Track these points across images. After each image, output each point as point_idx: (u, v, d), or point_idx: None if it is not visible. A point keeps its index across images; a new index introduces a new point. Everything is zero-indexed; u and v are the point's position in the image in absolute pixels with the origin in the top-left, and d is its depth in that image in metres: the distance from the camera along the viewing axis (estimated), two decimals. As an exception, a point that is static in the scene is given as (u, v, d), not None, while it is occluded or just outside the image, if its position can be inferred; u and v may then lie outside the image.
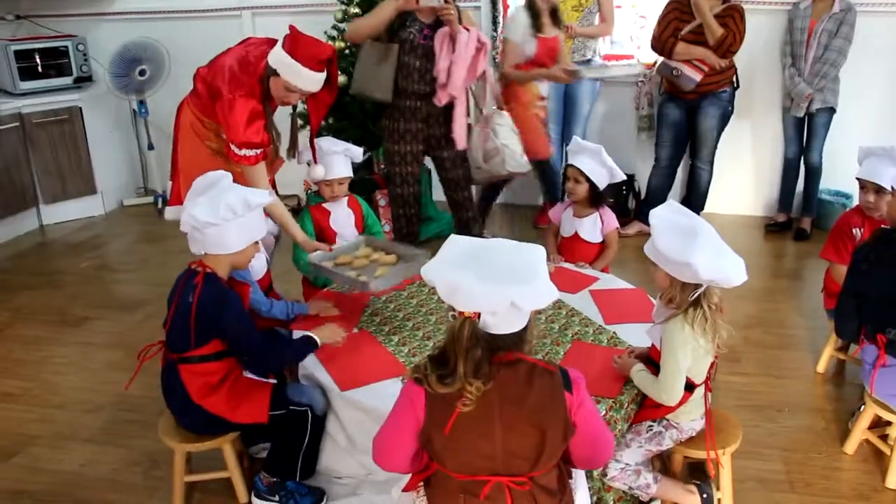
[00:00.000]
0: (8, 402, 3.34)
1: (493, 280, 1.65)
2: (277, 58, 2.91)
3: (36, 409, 3.28)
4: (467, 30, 3.61)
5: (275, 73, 2.93)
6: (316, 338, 2.56)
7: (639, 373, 2.35)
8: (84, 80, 5.72)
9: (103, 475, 2.83)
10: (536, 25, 4.31)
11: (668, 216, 2.17)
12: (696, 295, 2.17)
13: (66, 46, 5.61)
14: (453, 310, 1.72)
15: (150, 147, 5.87)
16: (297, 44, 2.88)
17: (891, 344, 2.51)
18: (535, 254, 1.76)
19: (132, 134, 6.03)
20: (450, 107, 3.75)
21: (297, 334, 2.65)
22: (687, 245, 2.06)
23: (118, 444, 3.00)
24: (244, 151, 2.93)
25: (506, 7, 5.38)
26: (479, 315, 1.68)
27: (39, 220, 5.63)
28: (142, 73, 5.62)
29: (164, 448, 2.62)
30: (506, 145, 4.21)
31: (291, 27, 2.96)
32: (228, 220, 2.33)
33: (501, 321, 1.69)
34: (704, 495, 2.35)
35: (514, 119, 4.29)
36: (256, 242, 2.50)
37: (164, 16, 5.85)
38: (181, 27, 5.84)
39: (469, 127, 3.97)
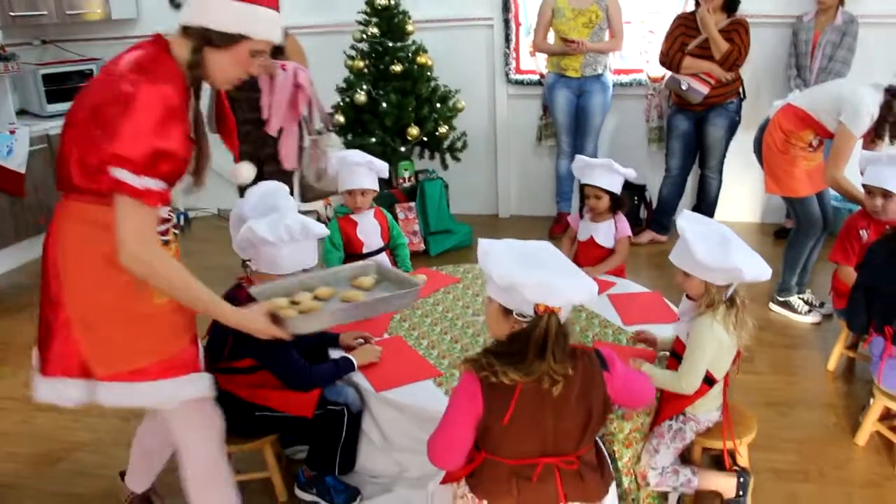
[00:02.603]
0: (51, 412, 3.45)
1: (567, 275, 1.84)
2: (215, 14, 1.95)
3: (79, 418, 3.40)
4: (284, 69, 3.88)
5: (215, 40, 1.97)
6: (353, 359, 2.65)
7: (650, 370, 2.46)
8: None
9: (145, 479, 2.97)
10: (880, 132, 3.56)
11: (696, 227, 2.30)
12: (730, 293, 2.31)
13: (92, 70, 5.81)
14: (509, 311, 1.86)
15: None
16: None
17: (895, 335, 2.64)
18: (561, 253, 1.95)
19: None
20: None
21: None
22: (727, 250, 2.21)
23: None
24: (144, 181, 1.85)
25: (518, 25, 5.55)
26: (560, 309, 1.83)
27: (67, 238, 5.79)
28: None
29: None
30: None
31: None
32: (285, 241, 2.43)
33: (564, 314, 1.85)
34: (741, 479, 2.47)
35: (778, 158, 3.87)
36: (305, 271, 2.57)
37: (186, 39, 6.03)
38: (202, 49, 6.01)
39: (302, 149, 4.22)
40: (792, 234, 4.07)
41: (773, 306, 4.12)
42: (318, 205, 5.44)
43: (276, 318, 2.11)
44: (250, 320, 2.09)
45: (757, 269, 2.22)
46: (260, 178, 3.96)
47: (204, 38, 1.97)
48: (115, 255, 1.90)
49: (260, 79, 3.89)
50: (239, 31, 1.97)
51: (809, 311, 4.00)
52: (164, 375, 2.06)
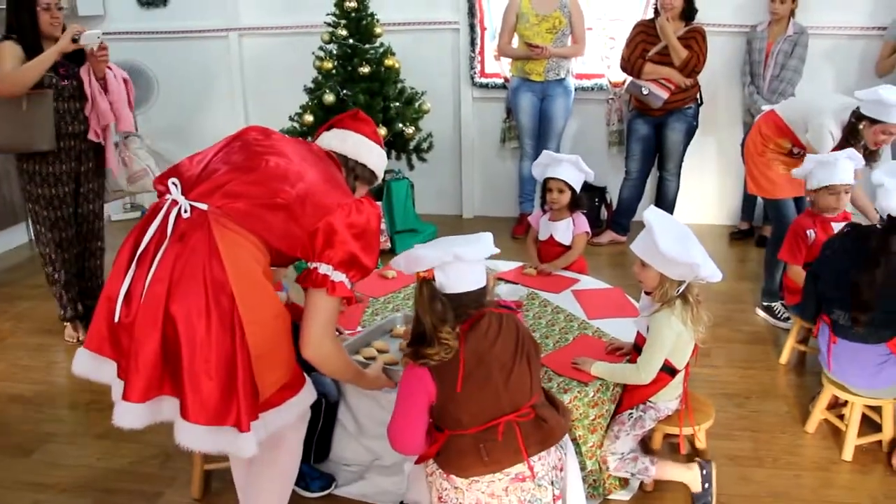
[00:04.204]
0: (22, 403, 3.48)
1: (432, 246, 2.03)
2: (372, 157, 2.39)
3: (49, 409, 3.43)
4: (109, 68, 3.72)
5: (368, 177, 2.42)
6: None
7: (602, 367, 2.59)
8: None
9: (121, 467, 3.00)
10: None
11: (662, 221, 2.42)
12: (681, 290, 2.44)
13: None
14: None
15: (138, 163, 6.01)
16: (362, 121, 2.43)
17: (834, 324, 2.82)
18: (483, 234, 2.11)
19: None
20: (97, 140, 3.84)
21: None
22: (687, 247, 2.34)
23: (132, 440, 3.09)
24: (351, 284, 2.10)
25: (483, 29, 5.66)
26: (433, 275, 1.99)
27: (29, 234, 5.73)
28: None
29: (178, 442, 2.79)
30: (149, 166, 4.23)
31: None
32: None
33: (454, 279, 2.00)
34: (704, 471, 2.59)
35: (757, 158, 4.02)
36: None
37: (151, 36, 6.02)
38: (168, 48, 6.02)
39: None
40: (770, 238, 4.23)
41: (758, 311, 4.22)
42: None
43: (386, 372, 2.48)
44: (377, 378, 2.44)
45: (711, 269, 2.36)
46: (84, 199, 3.98)
47: (362, 174, 2.38)
48: (266, 267, 2.04)
49: (86, 84, 3.65)
50: (378, 173, 2.42)
51: (788, 317, 4.01)
52: (299, 384, 2.19)
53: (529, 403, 2.05)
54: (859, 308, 2.71)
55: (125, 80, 3.83)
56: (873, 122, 3.43)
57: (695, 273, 2.35)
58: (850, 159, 3.30)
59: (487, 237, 2.09)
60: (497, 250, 2.09)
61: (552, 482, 2.08)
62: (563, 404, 2.20)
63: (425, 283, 1.99)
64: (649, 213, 2.44)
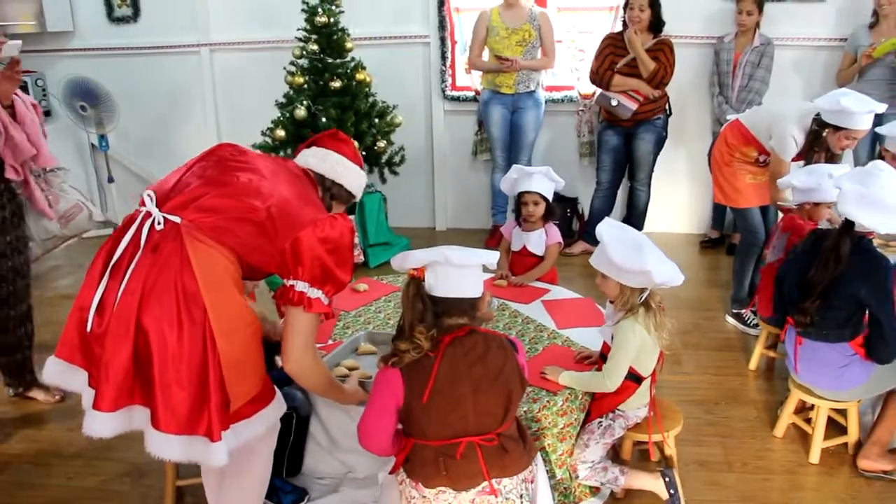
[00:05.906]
0: (-11, 424, 3.45)
1: (427, 249, 2.05)
2: (351, 179, 2.41)
3: (17, 430, 3.39)
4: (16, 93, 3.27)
5: (345, 197, 2.43)
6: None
7: (570, 376, 2.61)
8: (44, 115, 5.82)
9: (93, 486, 2.97)
10: (809, 160, 3.66)
11: (614, 232, 2.46)
12: (644, 297, 2.47)
13: (26, 82, 5.72)
14: None
15: (111, 180, 5.99)
16: (342, 141, 2.46)
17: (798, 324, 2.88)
18: (490, 251, 2.13)
19: (91, 167, 6.15)
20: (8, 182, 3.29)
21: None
22: (640, 255, 2.37)
23: (103, 458, 3.12)
24: (328, 300, 2.12)
25: (454, 43, 5.71)
26: (423, 276, 2.02)
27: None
28: (83, 108, 5.70)
29: (149, 459, 2.75)
30: (81, 200, 3.81)
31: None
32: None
33: (442, 282, 2.02)
34: (667, 479, 2.63)
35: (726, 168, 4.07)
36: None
37: (123, 52, 6.00)
38: (140, 63, 6.01)
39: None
40: (738, 246, 4.29)
41: (728, 318, 4.29)
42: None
43: (363, 386, 2.51)
44: (355, 392, 2.44)
45: (668, 274, 2.39)
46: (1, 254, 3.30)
47: (338, 193, 2.39)
48: (238, 278, 2.07)
49: None
50: (356, 193, 2.44)
51: (757, 324, 4.07)
52: (269, 397, 2.19)
53: (497, 431, 2.06)
54: (806, 302, 2.79)
55: (34, 106, 3.37)
56: (837, 128, 3.48)
57: (651, 280, 2.38)
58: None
59: (491, 252, 2.12)
60: (494, 265, 2.13)
61: (521, 495, 2.09)
62: (532, 441, 2.20)
63: (413, 280, 2.03)
64: (601, 227, 2.48)
